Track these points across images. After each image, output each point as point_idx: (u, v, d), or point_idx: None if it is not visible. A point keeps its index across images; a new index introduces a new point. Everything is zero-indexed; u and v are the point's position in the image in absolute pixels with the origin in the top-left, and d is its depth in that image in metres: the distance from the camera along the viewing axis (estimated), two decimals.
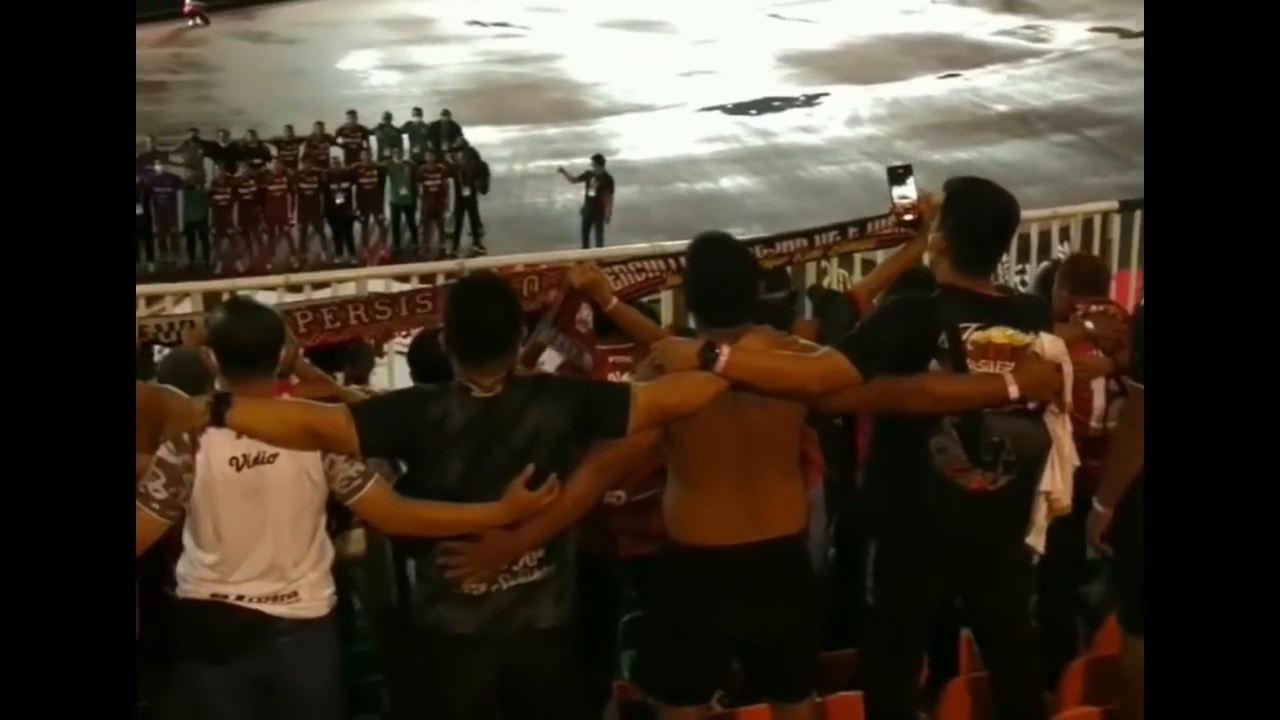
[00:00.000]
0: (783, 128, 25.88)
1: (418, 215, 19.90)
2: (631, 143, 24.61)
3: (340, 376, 5.05)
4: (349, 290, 8.25)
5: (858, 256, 8.18)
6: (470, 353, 3.48)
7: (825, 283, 8.97)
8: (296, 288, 9.04)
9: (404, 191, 19.65)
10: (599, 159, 19.62)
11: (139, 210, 18.76)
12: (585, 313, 4.76)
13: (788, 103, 27.35)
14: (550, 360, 4.76)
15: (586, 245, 18.37)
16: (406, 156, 20.39)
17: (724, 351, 3.49)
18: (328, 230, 19.60)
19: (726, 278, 3.66)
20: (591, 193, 19.08)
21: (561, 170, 19.65)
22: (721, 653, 3.79)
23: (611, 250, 12.30)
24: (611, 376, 4.54)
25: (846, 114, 26.46)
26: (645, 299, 6.00)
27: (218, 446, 3.44)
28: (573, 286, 4.72)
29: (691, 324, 3.80)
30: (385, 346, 8.19)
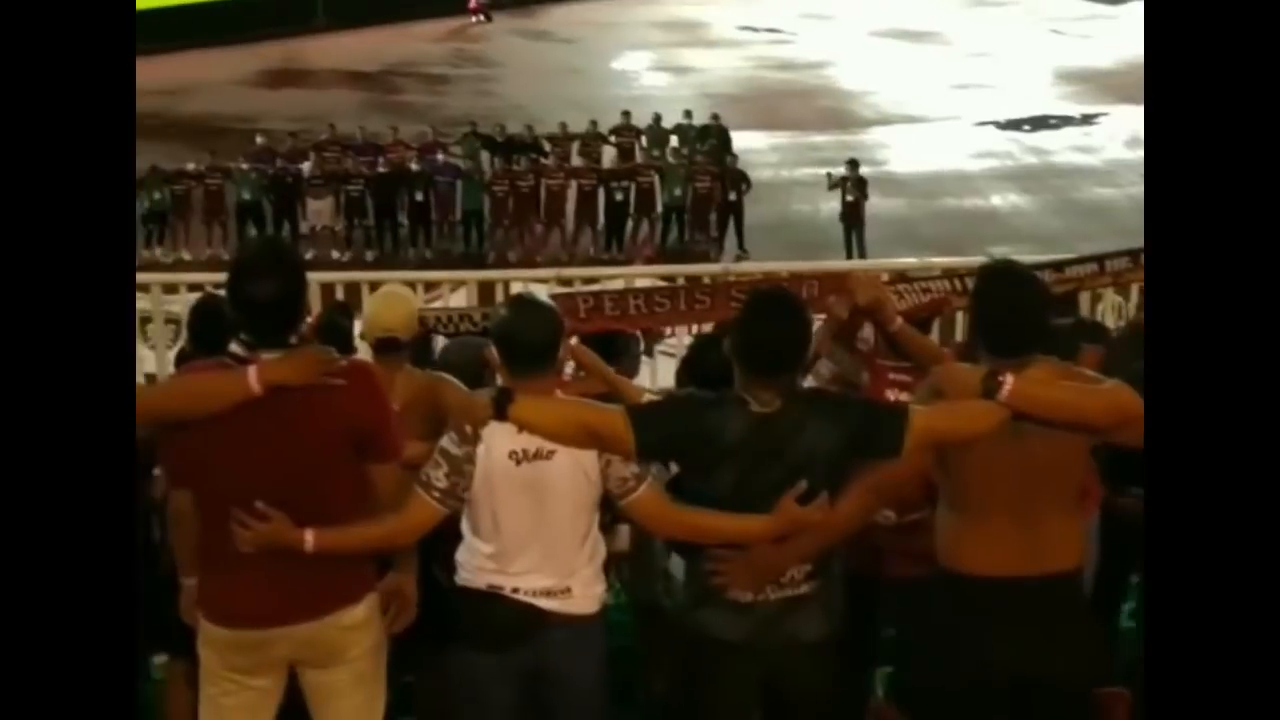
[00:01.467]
0: (1058, 146, 25.18)
1: (686, 216, 20.00)
2: (900, 154, 24.33)
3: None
4: (615, 287, 8.41)
5: (1135, 284, 7.92)
6: (757, 367, 3.50)
7: (1099, 309, 8.71)
8: (567, 282, 9.27)
9: (678, 192, 19.78)
10: (853, 163, 19.48)
11: (419, 197, 19.50)
12: (867, 331, 4.70)
13: (1065, 121, 26.60)
14: (823, 372, 4.72)
15: (849, 255, 18.26)
16: (675, 158, 20.54)
17: (1008, 381, 3.44)
18: (600, 225, 19.87)
19: (1019, 309, 3.59)
20: (850, 198, 18.95)
21: (829, 175, 19.51)
22: (987, 684, 3.70)
23: (879, 262, 12.23)
24: (890, 394, 4.48)
25: (1126, 135, 25.48)
26: None
27: (499, 440, 3.52)
28: (857, 304, 4.65)
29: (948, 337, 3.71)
30: (655, 348, 8.31)
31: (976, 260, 6.78)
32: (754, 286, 5.69)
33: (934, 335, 7.10)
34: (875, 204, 19.56)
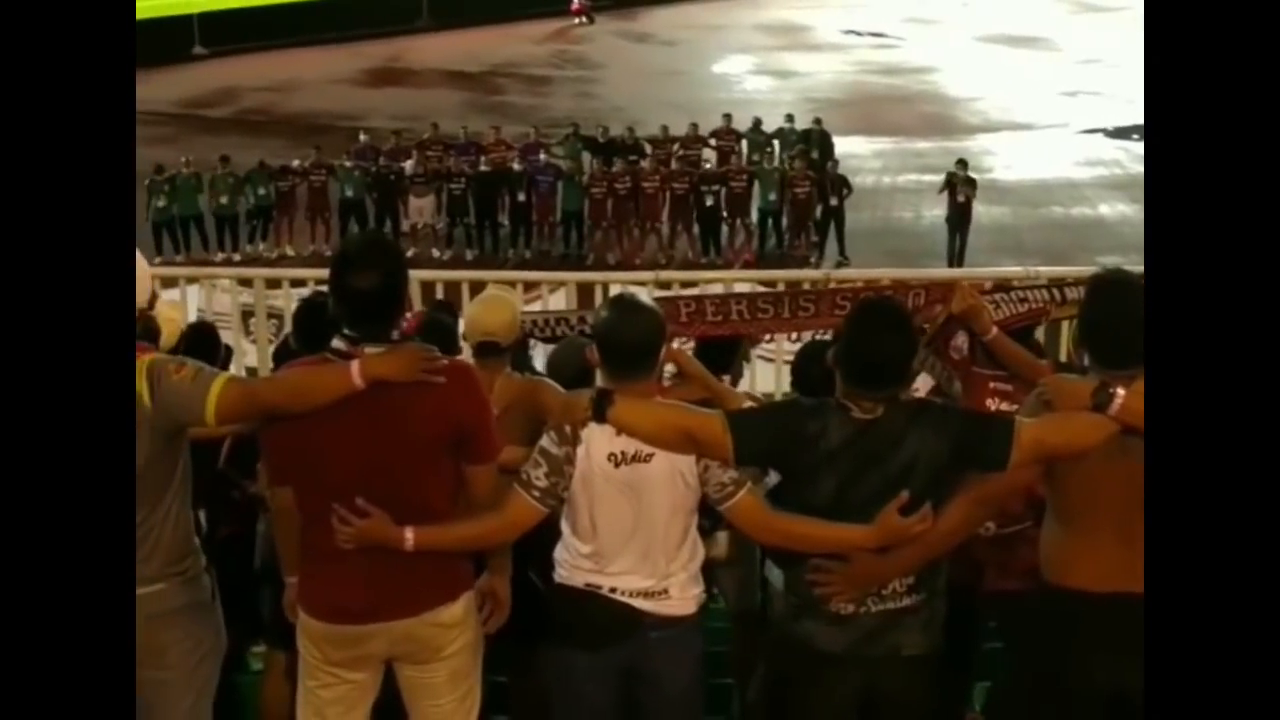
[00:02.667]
0: None
1: (784, 221, 19.86)
2: (1006, 162, 24.01)
3: (726, 379, 5.07)
4: (716, 291, 8.36)
5: None
6: (861, 376, 3.45)
7: None
8: (666, 285, 9.25)
9: (772, 197, 19.58)
10: (963, 163, 19.24)
11: (520, 197, 19.58)
12: (960, 340, 4.64)
13: None
14: (921, 384, 4.67)
15: (951, 261, 18.02)
16: (776, 162, 20.40)
17: (1119, 394, 3.36)
18: (695, 230, 19.76)
19: (1129, 320, 3.49)
20: (961, 199, 18.70)
21: (950, 175, 19.17)
22: (1086, 702, 3.62)
23: (984, 270, 12.05)
24: (989, 404, 4.42)
25: None
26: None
27: (598, 441, 3.51)
28: (951, 312, 4.60)
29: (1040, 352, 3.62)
30: (750, 352, 8.24)
31: (1084, 270, 6.64)
32: (859, 294, 5.61)
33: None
34: (980, 211, 19.31)
